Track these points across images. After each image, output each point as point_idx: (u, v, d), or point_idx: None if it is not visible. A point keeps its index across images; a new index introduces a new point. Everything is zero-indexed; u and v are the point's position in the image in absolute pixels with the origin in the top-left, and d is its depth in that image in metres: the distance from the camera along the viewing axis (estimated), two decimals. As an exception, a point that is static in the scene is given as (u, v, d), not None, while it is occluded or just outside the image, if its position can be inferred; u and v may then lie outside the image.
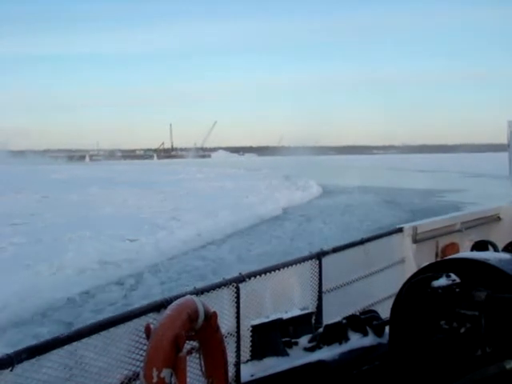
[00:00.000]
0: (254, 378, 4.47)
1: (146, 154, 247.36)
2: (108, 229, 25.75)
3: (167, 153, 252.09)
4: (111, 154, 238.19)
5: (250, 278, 4.88)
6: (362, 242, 6.81)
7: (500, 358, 3.01)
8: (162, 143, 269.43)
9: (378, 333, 4.62)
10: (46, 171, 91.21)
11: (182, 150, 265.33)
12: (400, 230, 7.66)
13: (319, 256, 5.87)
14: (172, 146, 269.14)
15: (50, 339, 3.29)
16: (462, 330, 3.46)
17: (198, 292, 4.24)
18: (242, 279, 4.77)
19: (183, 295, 3.74)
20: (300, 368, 4.33)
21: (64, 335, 3.34)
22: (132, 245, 22.88)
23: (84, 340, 3.46)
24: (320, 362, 4.30)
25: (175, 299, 3.63)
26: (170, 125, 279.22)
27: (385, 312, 4.57)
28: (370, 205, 40.85)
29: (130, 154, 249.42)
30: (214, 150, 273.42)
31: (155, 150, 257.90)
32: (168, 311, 3.37)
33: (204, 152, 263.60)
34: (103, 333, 3.56)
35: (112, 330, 3.62)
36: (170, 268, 19.93)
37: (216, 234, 26.71)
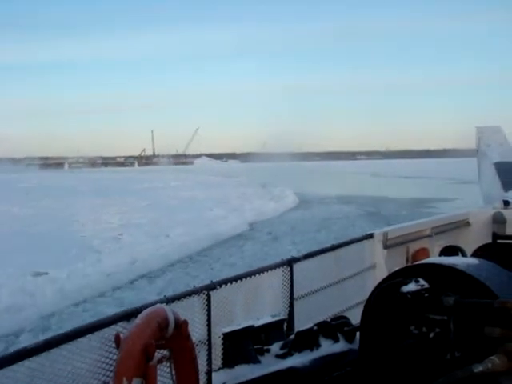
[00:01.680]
0: None
1: (127, 161, 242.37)
2: (24, 255, 20.55)
3: (148, 160, 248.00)
4: (91, 161, 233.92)
5: (220, 286, 4.88)
6: (332, 248, 6.85)
7: (468, 362, 3.04)
8: (143, 150, 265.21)
9: (349, 339, 4.64)
10: (15, 180, 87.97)
11: (163, 156, 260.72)
12: (371, 236, 7.72)
13: (290, 263, 5.88)
14: (154, 152, 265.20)
15: (17, 351, 3.25)
16: (432, 335, 3.49)
17: (169, 300, 4.22)
18: (212, 287, 4.76)
19: (153, 304, 3.72)
20: (271, 375, 4.32)
21: (31, 346, 3.30)
22: (33, 282, 17.26)
23: (53, 350, 3.41)
24: (291, 369, 4.30)
25: (145, 308, 3.60)
26: (152, 131, 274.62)
27: (356, 318, 4.59)
28: (351, 218, 36.74)
29: (110, 162, 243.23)
30: (198, 156, 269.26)
31: (136, 157, 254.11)
32: (138, 320, 3.35)
33: (186, 159, 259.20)
34: (72, 343, 3.53)
35: (81, 339, 3.58)
36: (65, 321, 14.30)
37: (156, 261, 21.75)
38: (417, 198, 50.19)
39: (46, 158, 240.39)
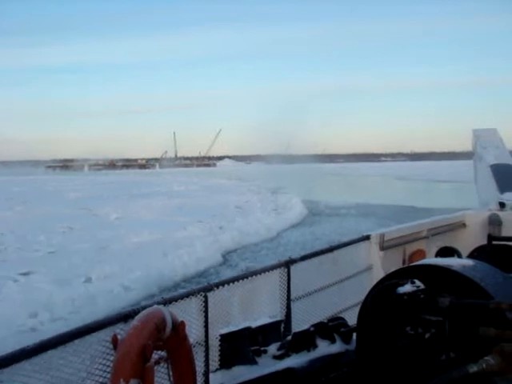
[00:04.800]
0: None
1: (149, 163, 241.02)
2: None
3: (171, 162, 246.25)
4: (111, 164, 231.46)
5: (218, 287, 4.89)
6: (330, 249, 6.87)
7: (463, 363, 3.06)
8: (165, 152, 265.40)
9: (346, 340, 4.66)
10: (16, 183, 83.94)
11: (185, 158, 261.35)
12: (367, 238, 7.74)
13: (288, 264, 5.90)
14: (176, 154, 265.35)
15: (15, 352, 3.26)
16: (427, 336, 3.51)
17: (166, 302, 4.24)
18: (210, 288, 4.77)
19: (151, 305, 3.74)
20: (269, 376, 4.34)
21: (29, 347, 3.31)
22: None
23: (49, 352, 3.43)
24: (288, 370, 4.32)
25: (142, 309, 3.62)
26: (174, 133, 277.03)
27: (353, 319, 4.62)
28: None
29: (131, 163, 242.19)
30: (221, 158, 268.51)
31: (158, 159, 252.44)
32: (135, 321, 3.36)
33: (209, 161, 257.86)
34: (69, 344, 3.54)
35: (77, 341, 3.60)
36: None
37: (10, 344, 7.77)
38: (453, 208, 33.02)
39: (70, 160, 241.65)
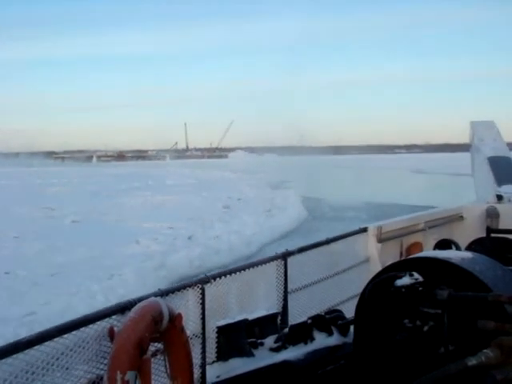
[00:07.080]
0: (219, 379, 4.46)
1: (159, 155, 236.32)
2: None
3: (181, 153, 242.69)
4: (120, 155, 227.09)
5: (215, 279, 4.87)
6: (327, 242, 6.85)
7: (462, 356, 3.05)
8: (175, 143, 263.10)
9: (343, 332, 4.66)
10: (3, 176, 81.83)
11: (197, 150, 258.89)
12: (365, 230, 7.73)
13: (285, 256, 5.88)
14: (187, 146, 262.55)
15: (11, 343, 3.23)
16: (425, 329, 3.50)
17: (163, 293, 4.21)
18: (207, 280, 4.75)
19: (147, 297, 3.71)
20: (265, 369, 4.33)
21: (25, 339, 3.28)
22: None
23: (46, 343, 3.40)
24: (285, 363, 4.31)
25: (139, 301, 3.60)
26: (185, 124, 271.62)
27: (350, 311, 4.60)
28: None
29: (141, 155, 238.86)
30: (233, 150, 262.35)
31: (167, 151, 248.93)
32: (132, 313, 3.35)
33: (221, 152, 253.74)
34: (66, 336, 3.51)
35: (75, 332, 3.57)
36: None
37: None
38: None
39: (81, 152, 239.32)
